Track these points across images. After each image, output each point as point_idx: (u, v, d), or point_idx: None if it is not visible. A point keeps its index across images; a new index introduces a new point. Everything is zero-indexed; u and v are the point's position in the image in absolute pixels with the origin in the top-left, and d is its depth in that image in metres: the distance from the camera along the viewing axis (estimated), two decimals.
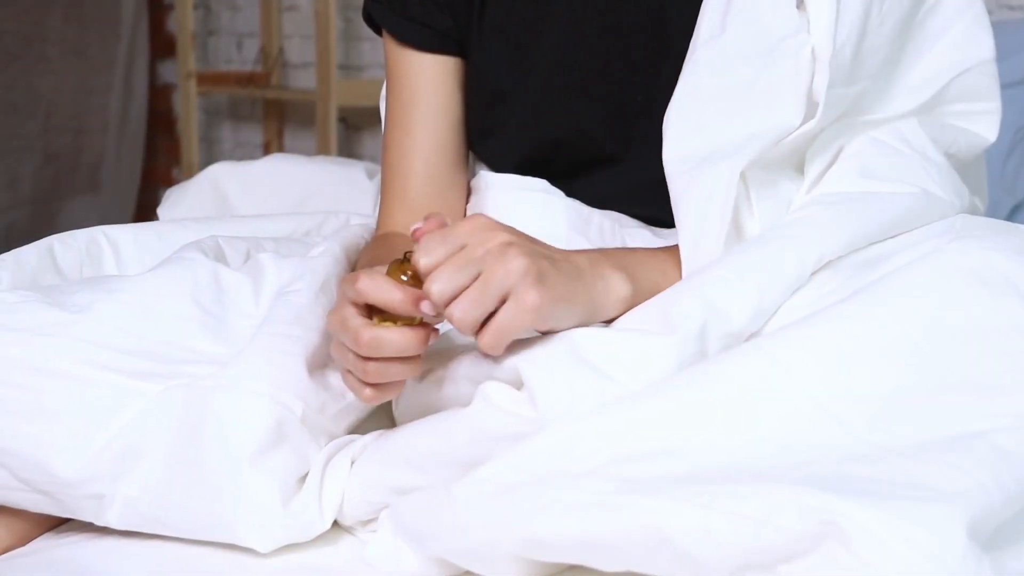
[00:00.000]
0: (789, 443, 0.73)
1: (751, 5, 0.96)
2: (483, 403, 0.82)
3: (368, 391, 0.84)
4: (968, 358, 0.78)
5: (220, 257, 1.11)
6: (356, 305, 0.83)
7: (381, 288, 0.82)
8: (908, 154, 0.98)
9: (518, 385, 0.82)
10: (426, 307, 0.81)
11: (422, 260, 0.81)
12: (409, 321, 0.83)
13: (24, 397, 0.89)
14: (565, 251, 0.89)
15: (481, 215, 0.85)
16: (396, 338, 0.82)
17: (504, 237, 0.83)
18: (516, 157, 1.18)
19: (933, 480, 0.67)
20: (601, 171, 1.17)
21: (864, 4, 0.95)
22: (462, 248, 0.82)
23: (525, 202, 1.15)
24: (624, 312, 0.88)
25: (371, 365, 0.83)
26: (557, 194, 1.16)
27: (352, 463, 0.91)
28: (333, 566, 0.88)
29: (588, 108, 1.14)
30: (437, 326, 0.85)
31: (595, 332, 0.84)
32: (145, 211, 3.89)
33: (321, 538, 0.90)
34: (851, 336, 0.79)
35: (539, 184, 1.16)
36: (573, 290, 0.85)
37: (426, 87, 1.16)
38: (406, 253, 0.84)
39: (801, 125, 0.93)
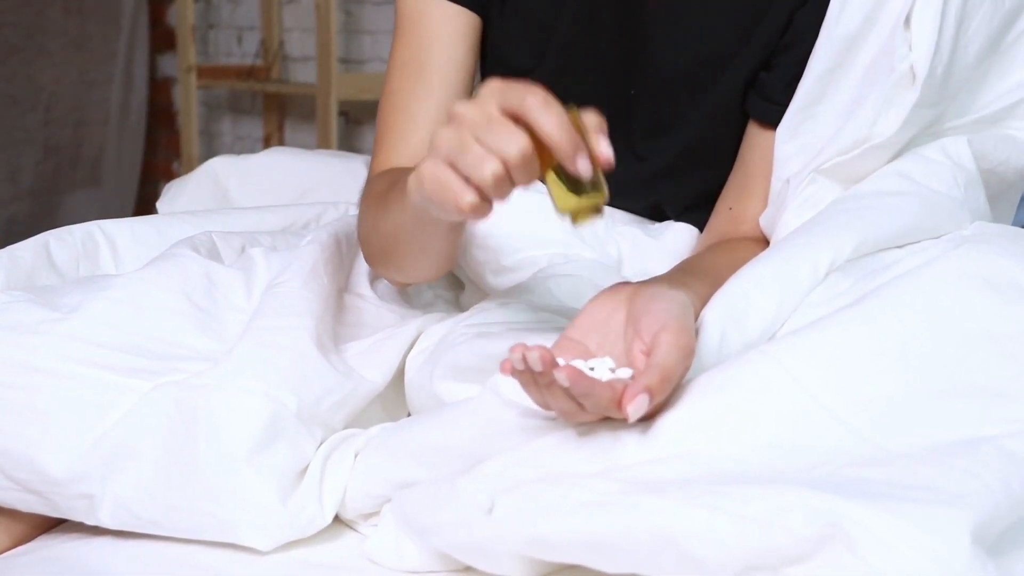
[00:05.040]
0: (796, 447, 0.73)
1: (864, 16, 0.99)
2: (493, 397, 0.81)
3: (471, 196, 0.73)
4: (976, 363, 0.78)
5: (214, 253, 1.10)
6: None
7: (551, 113, 0.70)
8: (942, 162, 1.00)
9: None
10: (583, 165, 0.71)
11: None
12: None
13: (14, 396, 0.88)
14: None
15: None
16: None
17: None
18: None
19: (939, 483, 0.66)
20: None
21: (955, 27, 0.98)
22: None
23: (518, 206, 1.14)
24: None
25: (492, 165, 0.71)
26: None
27: (355, 456, 0.90)
28: (333, 561, 0.87)
29: (595, 91, 1.13)
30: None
31: None
32: (145, 204, 3.88)
33: (321, 533, 0.89)
34: (858, 340, 0.79)
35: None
36: None
37: (446, 35, 1.11)
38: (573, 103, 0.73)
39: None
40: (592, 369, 0.76)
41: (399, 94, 1.11)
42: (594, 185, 0.74)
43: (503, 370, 0.72)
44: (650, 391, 0.72)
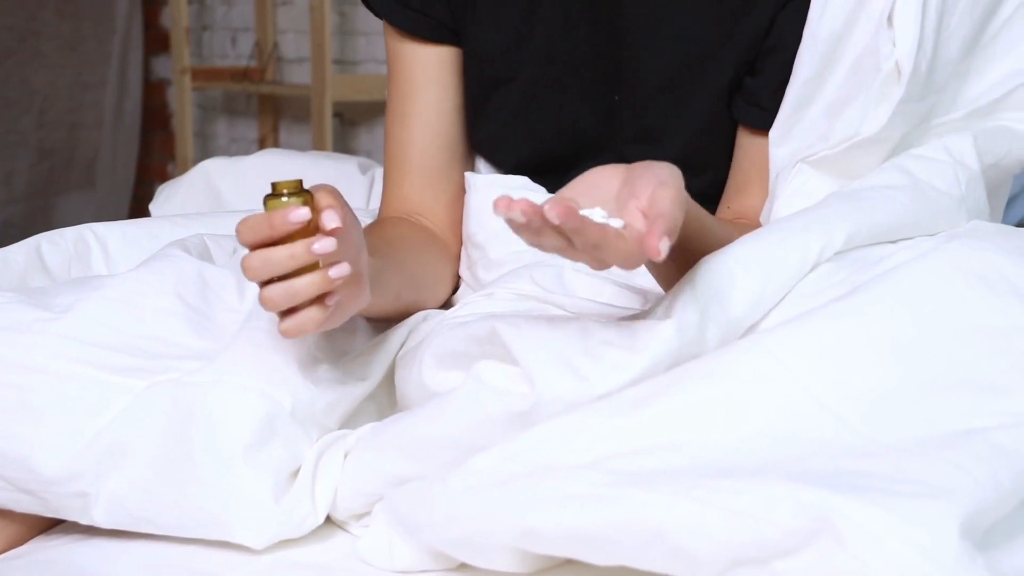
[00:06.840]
0: (786, 437, 0.73)
1: (847, 15, 1.01)
2: (476, 384, 0.81)
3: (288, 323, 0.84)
4: (967, 357, 0.78)
5: (206, 255, 1.11)
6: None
7: (254, 228, 0.83)
8: (944, 160, 1.01)
9: (511, 363, 0.81)
10: (321, 246, 0.81)
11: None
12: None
13: (8, 395, 0.88)
14: None
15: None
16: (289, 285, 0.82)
17: None
18: (510, 147, 1.18)
19: (929, 476, 0.66)
20: (593, 163, 1.16)
21: (937, 21, 0.99)
22: None
23: None
24: None
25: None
26: (539, 191, 1.16)
27: (346, 456, 0.91)
28: (326, 562, 0.87)
29: (578, 99, 1.14)
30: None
31: (595, 314, 0.84)
32: (140, 207, 3.88)
33: (313, 534, 0.89)
34: (850, 332, 0.79)
35: (519, 182, 1.16)
36: None
37: (422, 78, 1.15)
38: (274, 185, 0.86)
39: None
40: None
41: (390, 141, 1.17)
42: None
43: (496, 208, 0.73)
44: (668, 234, 0.73)
